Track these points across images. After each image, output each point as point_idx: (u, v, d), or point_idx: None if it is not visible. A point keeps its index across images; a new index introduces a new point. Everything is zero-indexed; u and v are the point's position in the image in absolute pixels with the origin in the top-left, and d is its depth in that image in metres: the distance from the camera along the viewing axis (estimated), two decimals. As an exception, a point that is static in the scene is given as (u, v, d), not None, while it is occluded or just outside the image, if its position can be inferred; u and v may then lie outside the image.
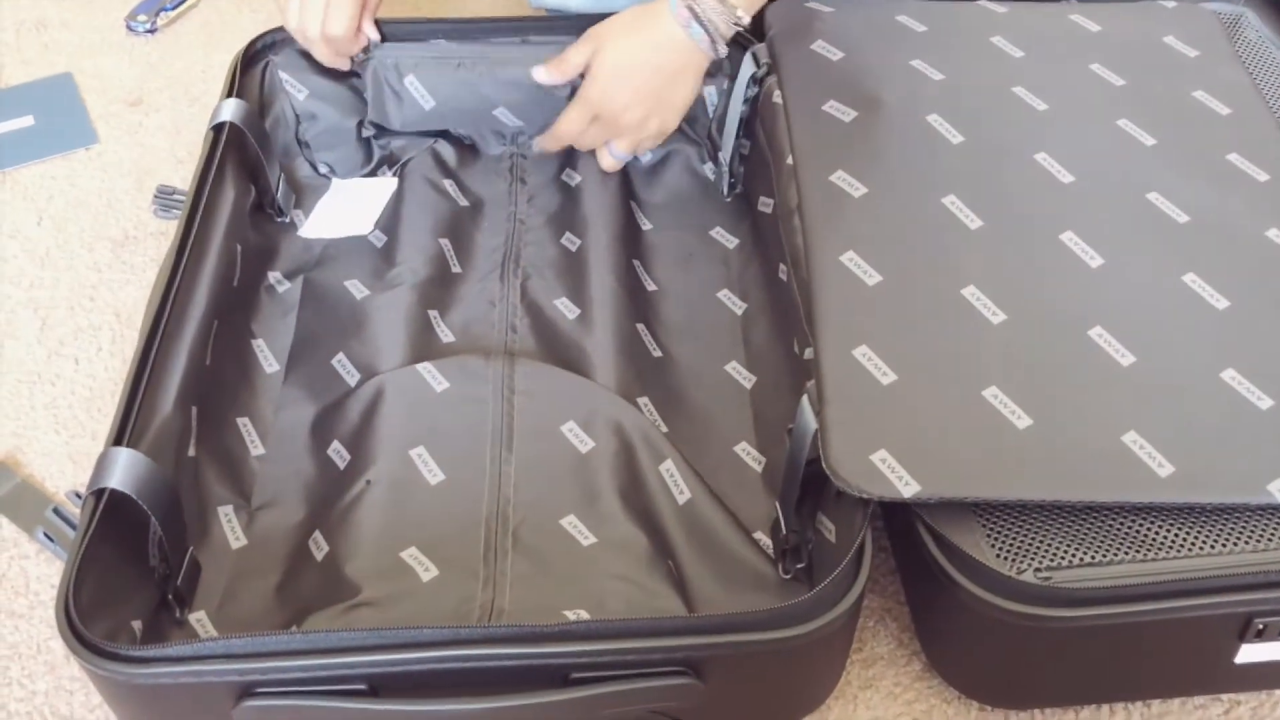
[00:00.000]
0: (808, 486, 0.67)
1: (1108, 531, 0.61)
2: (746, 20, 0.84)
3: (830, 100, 0.81)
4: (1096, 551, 0.60)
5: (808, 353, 0.69)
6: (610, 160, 0.92)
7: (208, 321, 0.76)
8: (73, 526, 0.74)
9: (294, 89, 0.94)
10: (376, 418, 0.77)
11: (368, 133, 0.97)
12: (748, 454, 0.78)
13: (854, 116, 0.80)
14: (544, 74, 0.89)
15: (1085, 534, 0.61)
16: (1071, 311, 0.68)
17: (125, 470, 0.62)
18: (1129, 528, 0.61)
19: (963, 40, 0.86)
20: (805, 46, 0.86)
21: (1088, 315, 0.68)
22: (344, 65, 0.93)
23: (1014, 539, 0.61)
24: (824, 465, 0.62)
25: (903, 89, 0.81)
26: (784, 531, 0.69)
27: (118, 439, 0.65)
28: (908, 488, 0.60)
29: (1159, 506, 0.61)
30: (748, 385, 0.82)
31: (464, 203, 0.95)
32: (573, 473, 0.74)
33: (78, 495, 0.77)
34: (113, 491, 0.61)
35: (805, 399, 0.65)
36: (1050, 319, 0.68)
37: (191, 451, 0.73)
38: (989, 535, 0.61)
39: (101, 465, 0.62)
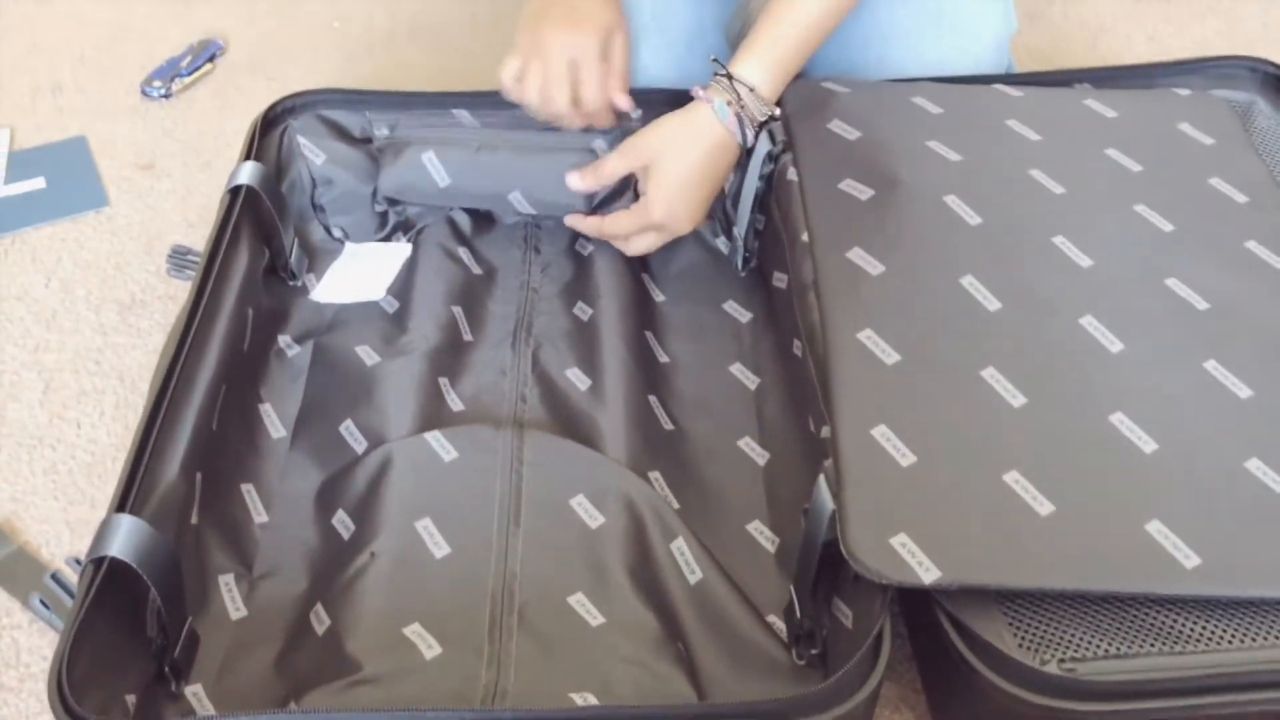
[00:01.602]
0: (823, 569, 0.65)
1: (1133, 623, 0.60)
2: (779, 110, 0.88)
3: (846, 178, 0.81)
4: (1122, 643, 0.59)
5: (824, 431, 0.68)
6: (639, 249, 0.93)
7: (216, 386, 0.76)
8: (70, 594, 0.73)
9: (312, 153, 0.94)
10: (383, 487, 0.76)
11: (381, 206, 0.97)
12: (761, 533, 0.76)
13: (871, 195, 0.80)
14: (578, 181, 0.90)
15: (1110, 625, 0.60)
16: (1092, 397, 0.67)
17: (127, 538, 0.61)
18: (1155, 619, 0.60)
19: (979, 123, 0.87)
20: (821, 125, 0.87)
21: (1109, 401, 0.67)
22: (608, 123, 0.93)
23: (1037, 628, 0.60)
24: (842, 549, 0.60)
25: (920, 169, 0.81)
26: (799, 615, 0.67)
27: (120, 505, 0.63)
28: (928, 573, 0.59)
29: (1186, 598, 0.60)
30: (761, 462, 0.81)
31: (477, 270, 0.95)
32: (581, 548, 0.73)
33: (77, 562, 0.76)
34: (113, 560, 0.60)
35: (822, 479, 0.64)
36: (1071, 404, 0.67)
37: (194, 519, 0.71)
38: (1011, 624, 0.60)
39: (103, 532, 0.61)
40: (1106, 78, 0.96)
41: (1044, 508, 0.62)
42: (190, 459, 0.70)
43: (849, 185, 0.81)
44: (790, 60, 0.88)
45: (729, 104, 0.86)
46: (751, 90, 0.86)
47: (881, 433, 0.65)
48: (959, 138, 0.85)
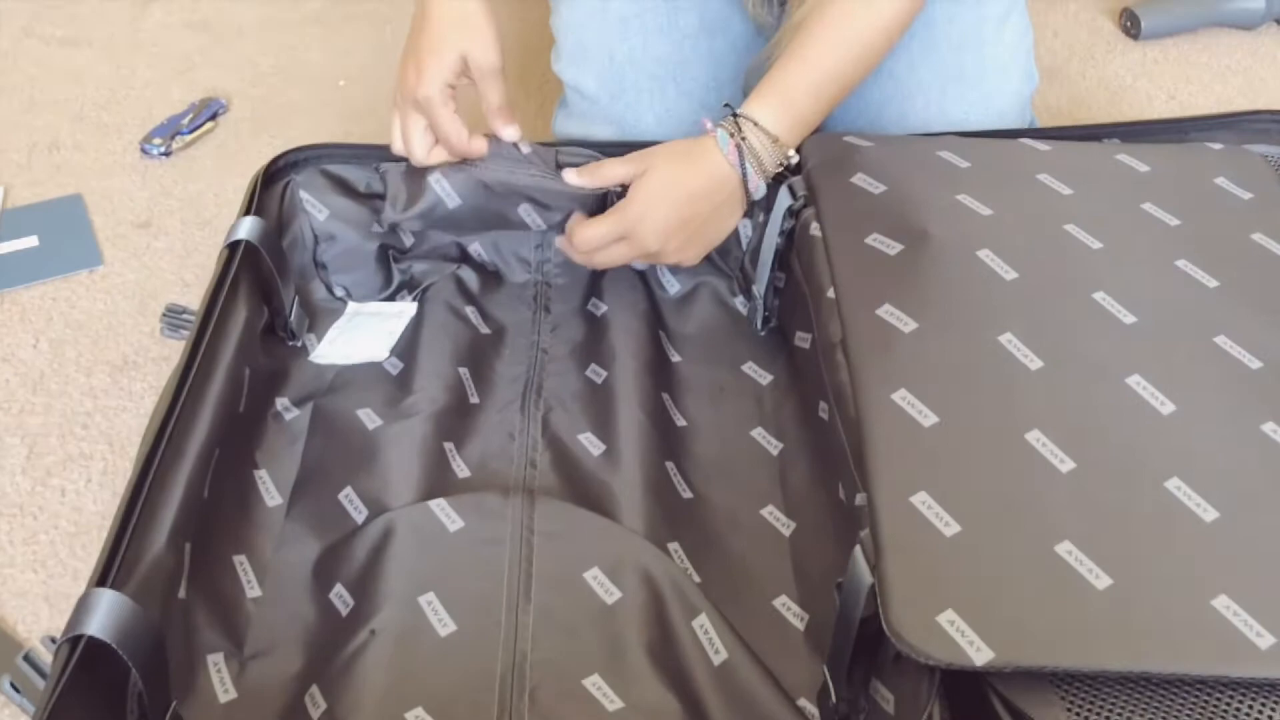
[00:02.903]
0: (860, 648, 0.61)
1: (1202, 708, 0.54)
2: (795, 158, 0.85)
3: (873, 233, 0.78)
4: (1191, 732, 0.54)
5: (859, 499, 0.64)
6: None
7: (208, 450, 0.71)
8: (44, 676, 0.67)
9: (314, 209, 0.91)
10: (384, 559, 0.71)
11: (388, 238, 0.92)
12: (788, 609, 0.71)
13: (899, 250, 0.76)
14: (575, 177, 0.86)
15: (1176, 710, 0.54)
16: (1145, 461, 0.63)
17: (107, 614, 0.56)
18: (1225, 704, 0.55)
19: (1009, 176, 0.83)
20: (845, 179, 0.83)
21: (1163, 465, 0.63)
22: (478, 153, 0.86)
23: (1097, 713, 0.54)
24: (884, 626, 0.55)
25: (950, 223, 0.78)
26: (833, 700, 0.62)
27: (102, 579, 0.59)
28: (980, 654, 0.54)
29: (1259, 681, 0.55)
30: (786, 532, 0.76)
31: (485, 330, 0.91)
32: (597, 626, 0.68)
33: (53, 640, 0.70)
34: (90, 639, 0.55)
35: (858, 551, 0.60)
36: (1122, 469, 0.63)
37: (182, 592, 0.67)
38: (1070, 709, 0.55)
39: (81, 608, 0.56)
40: (1136, 132, 0.93)
41: (1100, 581, 0.57)
42: (179, 529, 0.66)
43: (876, 240, 0.77)
44: (803, 105, 0.85)
45: (731, 135, 0.83)
46: (756, 125, 0.83)
47: (922, 500, 0.61)
48: (989, 191, 0.81)
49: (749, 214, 0.90)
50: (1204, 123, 0.94)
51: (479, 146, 0.85)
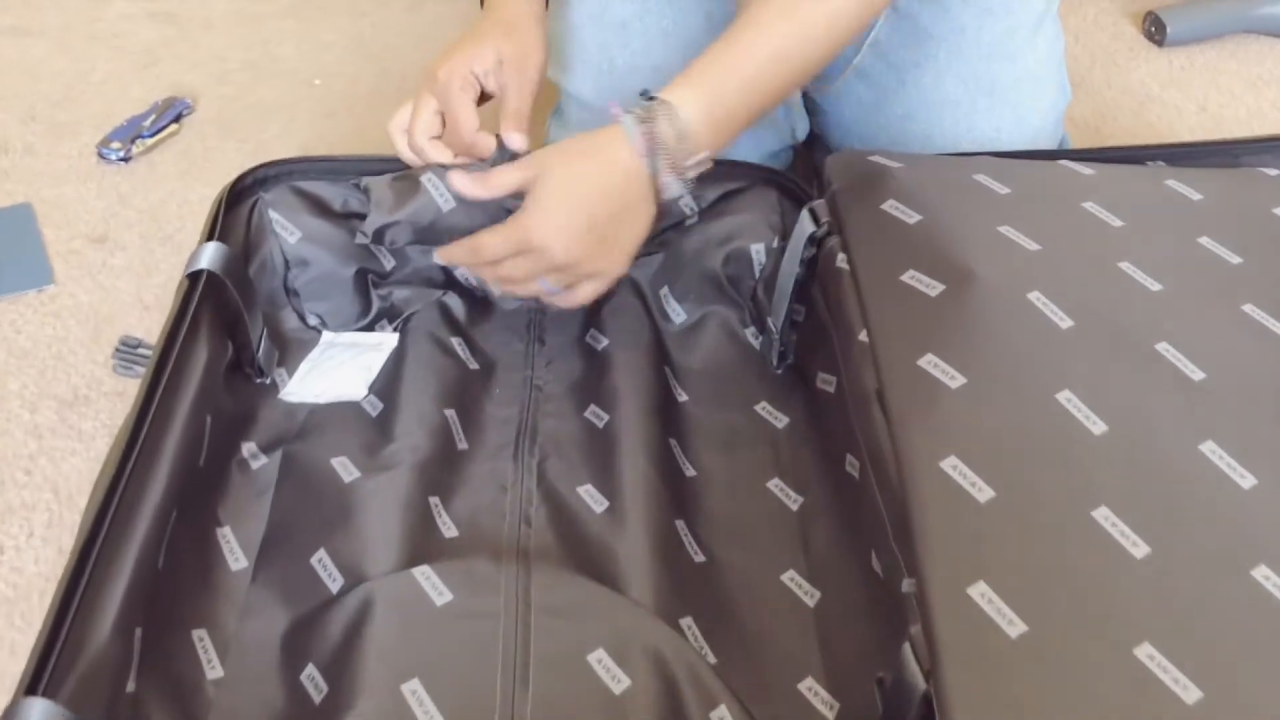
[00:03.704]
0: (908, 758, 0.53)
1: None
2: (709, 164, 0.73)
3: (909, 269, 0.70)
4: None
5: (905, 585, 0.56)
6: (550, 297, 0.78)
7: (163, 515, 0.63)
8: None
9: (285, 230, 0.82)
10: (362, 638, 0.63)
11: (366, 261, 0.83)
12: (815, 694, 0.64)
13: (941, 290, 0.68)
14: (466, 183, 0.75)
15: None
16: (1227, 547, 0.56)
17: (36, 733, 0.48)
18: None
19: (1053, 205, 0.76)
20: (874, 206, 0.75)
21: (1248, 550, 0.55)
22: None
23: None
24: (945, 747, 0.48)
25: (994, 260, 0.70)
26: (876, 814, 0.55)
27: (33, 684, 0.50)
28: (1056, 784, 0.46)
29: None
30: (810, 602, 0.69)
31: (474, 365, 0.83)
32: (603, 719, 0.60)
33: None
34: (17, 763, 0.47)
35: (908, 650, 0.52)
36: (1203, 554, 0.55)
37: (131, 685, 0.58)
38: (1156, 846, 0.48)
39: (6, 724, 0.48)
40: (1182, 155, 0.86)
41: (1189, 694, 0.50)
42: (127, 612, 0.58)
43: (913, 278, 0.70)
44: (731, 95, 0.73)
45: (641, 122, 0.71)
46: (670, 114, 0.70)
47: (981, 592, 0.53)
48: (1033, 223, 0.74)
49: (767, 239, 0.82)
50: (1256, 145, 0.87)
51: (485, 143, 0.77)
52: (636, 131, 0.71)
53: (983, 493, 0.57)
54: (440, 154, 0.78)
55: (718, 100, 0.72)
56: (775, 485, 0.76)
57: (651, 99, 0.72)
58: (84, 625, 0.55)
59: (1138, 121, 1.14)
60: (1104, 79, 1.21)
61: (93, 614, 0.56)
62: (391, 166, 0.80)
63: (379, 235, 0.80)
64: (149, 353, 0.78)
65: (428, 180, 0.77)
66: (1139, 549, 0.55)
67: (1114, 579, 0.54)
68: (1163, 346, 0.66)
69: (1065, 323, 0.66)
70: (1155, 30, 1.27)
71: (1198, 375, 0.64)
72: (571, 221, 0.71)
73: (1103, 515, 0.57)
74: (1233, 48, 1.25)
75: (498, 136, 0.77)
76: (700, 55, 0.73)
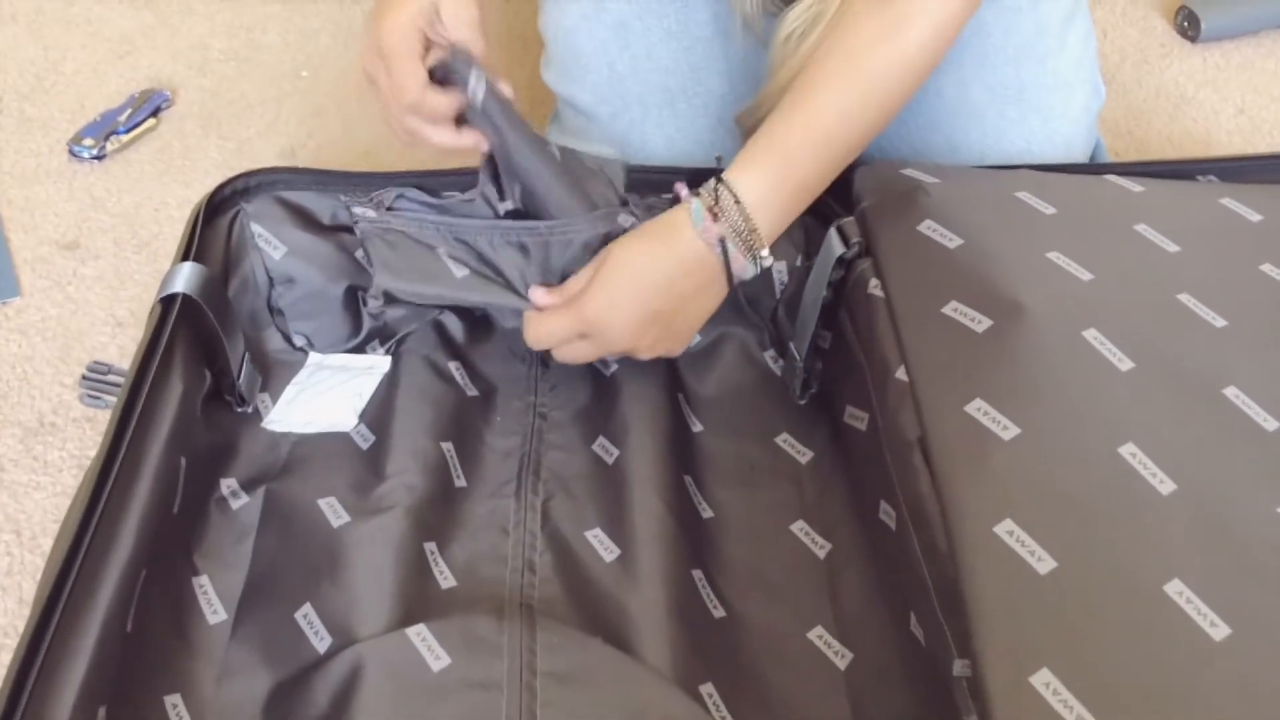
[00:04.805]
0: None
1: None
2: (769, 260, 0.70)
3: (952, 300, 0.64)
4: None
5: (958, 667, 0.51)
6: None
7: (132, 573, 0.57)
8: None
9: (269, 245, 0.76)
10: (351, 708, 0.57)
11: (357, 278, 0.77)
12: (850, 772, 0.59)
13: (988, 326, 0.63)
14: (544, 296, 0.71)
15: None
16: (1315, 624, 0.50)
17: None
18: None
19: (1104, 228, 0.70)
20: (910, 227, 0.70)
21: (1337, 629, 0.50)
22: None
23: None
24: None
25: (1045, 291, 0.65)
26: None
27: (-22, 787, 0.45)
28: None
29: None
30: (841, 664, 0.63)
31: (472, 392, 0.77)
32: (618, 802, 0.55)
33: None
34: None
35: (965, 746, 0.47)
36: (1288, 632, 0.50)
37: (94, 770, 0.53)
38: None
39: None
40: (1235, 170, 0.80)
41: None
42: (91, 689, 0.52)
43: (956, 310, 0.64)
44: (800, 166, 0.69)
45: (709, 209, 0.68)
46: (738, 204, 0.67)
47: (1044, 680, 0.48)
48: (1084, 248, 0.68)
49: (790, 257, 0.77)
50: (1314, 159, 0.81)
51: (467, 136, 0.70)
52: (704, 218, 0.67)
53: (1044, 563, 0.52)
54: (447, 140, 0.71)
55: (786, 175, 0.69)
56: (800, 529, 0.70)
57: (716, 179, 0.68)
58: (42, 703, 0.49)
59: (1174, 126, 1.08)
60: (1134, 77, 1.14)
61: (51, 690, 0.50)
62: (379, 183, 0.74)
63: (388, 297, 0.76)
64: (119, 380, 0.72)
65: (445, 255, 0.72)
66: (1218, 630, 0.50)
67: (1189, 663, 0.49)
68: (1231, 391, 0.60)
69: (1125, 364, 0.61)
70: (1188, 25, 1.20)
71: (1271, 425, 0.59)
72: (636, 313, 0.68)
73: (1175, 591, 0.51)
74: (1269, 45, 1.19)
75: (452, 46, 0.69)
76: (764, 124, 0.69)
